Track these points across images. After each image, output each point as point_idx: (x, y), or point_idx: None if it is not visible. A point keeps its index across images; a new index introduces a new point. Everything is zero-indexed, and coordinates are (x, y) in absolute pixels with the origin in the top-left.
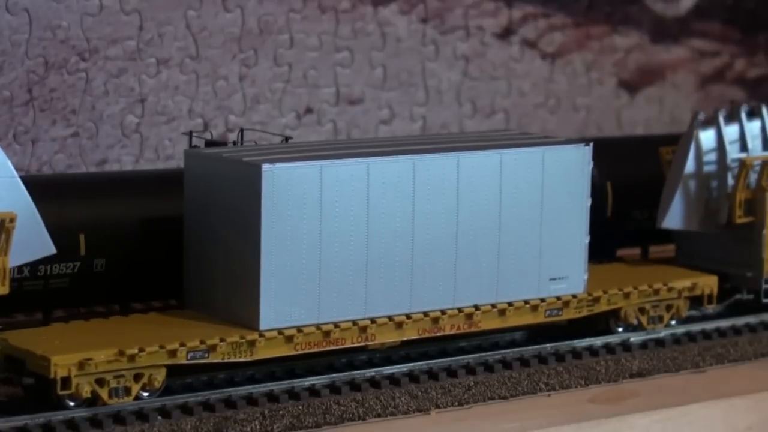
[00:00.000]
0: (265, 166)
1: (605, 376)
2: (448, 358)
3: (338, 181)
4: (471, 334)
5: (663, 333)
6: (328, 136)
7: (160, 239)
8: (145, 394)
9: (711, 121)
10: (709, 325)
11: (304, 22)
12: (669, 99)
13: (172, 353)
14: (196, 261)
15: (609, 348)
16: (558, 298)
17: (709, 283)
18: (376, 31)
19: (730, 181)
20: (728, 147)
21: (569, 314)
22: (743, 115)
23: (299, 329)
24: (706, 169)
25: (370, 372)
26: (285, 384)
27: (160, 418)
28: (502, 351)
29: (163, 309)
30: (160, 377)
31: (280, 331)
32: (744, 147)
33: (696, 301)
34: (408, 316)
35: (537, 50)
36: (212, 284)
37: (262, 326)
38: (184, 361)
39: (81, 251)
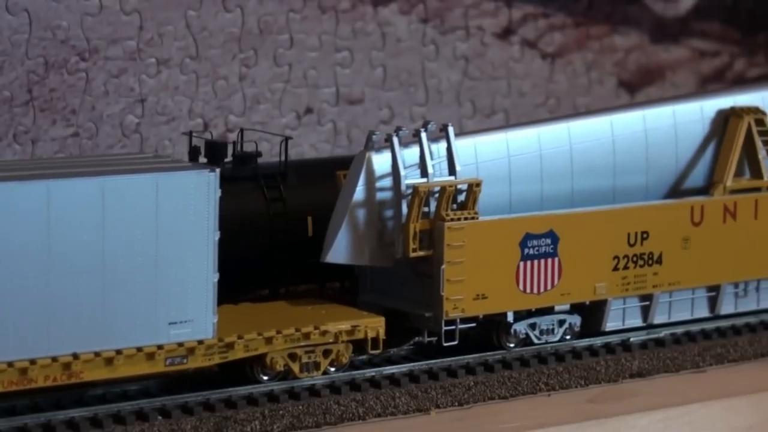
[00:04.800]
0: None
1: (605, 376)
2: (448, 358)
3: None
4: (75, 386)
5: (663, 333)
6: (328, 137)
7: None
8: None
9: (386, 143)
10: (709, 325)
11: (304, 22)
12: None
13: None
14: None
15: (609, 348)
16: (180, 345)
17: (374, 325)
18: (376, 31)
19: (406, 210)
20: (403, 172)
21: (197, 362)
22: (424, 136)
23: None
24: (380, 196)
25: (370, 372)
26: (285, 384)
27: (160, 418)
28: (501, 351)
29: None
30: None
31: None
32: (425, 172)
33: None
34: None
35: (537, 50)
36: None
37: None
38: None
39: None
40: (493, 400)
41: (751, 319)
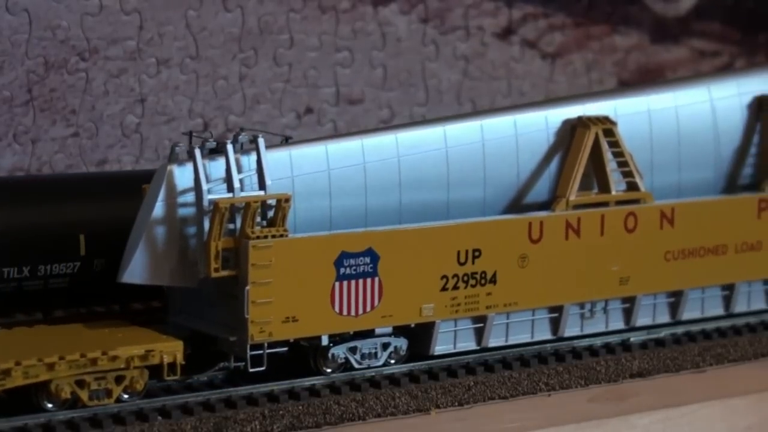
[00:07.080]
0: None
1: (605, 376)
2: (448, 358)
3: None
4: None
5: (663, 333)
6: None
7: None
8: None
9: (190, 155)
10: (709, 325)
11: (304, 22)
12: None
13: None
14: None
15: (609, 348)
16: None
17: (171, 350)
18: (376, 31)
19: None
20: (206, 186)
21: None
22: (230, 148)
23: None
24: (182, 212)
25: (370, 372)
26: (285, 384)
27: (160, 418)
28: (502, 351)
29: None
30: None
31: None
32: (231, 186)
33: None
34: None
35: (537, 50)
36: None
37: None
38: None
39: (81, 251)
40: (493, 400)
41: (751, 319)
